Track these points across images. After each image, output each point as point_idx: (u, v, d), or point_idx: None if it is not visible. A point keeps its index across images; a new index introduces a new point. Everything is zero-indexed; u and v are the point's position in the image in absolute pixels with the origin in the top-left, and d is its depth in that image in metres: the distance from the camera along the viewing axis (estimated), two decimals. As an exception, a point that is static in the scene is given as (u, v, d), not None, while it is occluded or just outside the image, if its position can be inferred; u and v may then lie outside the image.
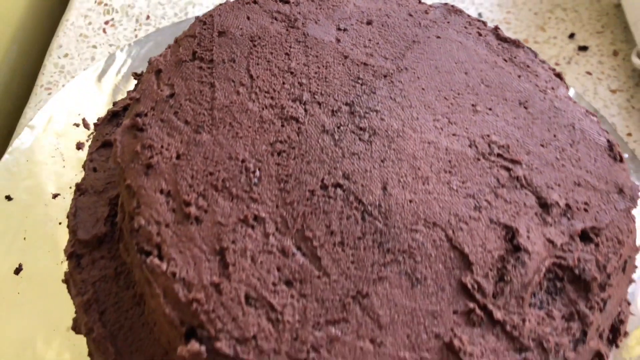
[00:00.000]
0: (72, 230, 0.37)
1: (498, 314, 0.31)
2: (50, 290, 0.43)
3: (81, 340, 0.40)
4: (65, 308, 0.42)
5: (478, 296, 0.32)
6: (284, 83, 0.37)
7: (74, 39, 0.62)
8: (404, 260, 0.33)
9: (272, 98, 0.36)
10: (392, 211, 0.34)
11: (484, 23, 0.43)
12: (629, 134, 0.62)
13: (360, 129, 0.36)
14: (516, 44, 0.42)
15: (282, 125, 0.35)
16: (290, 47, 0.40)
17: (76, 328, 0.37)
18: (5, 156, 0.49)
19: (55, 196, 0.47)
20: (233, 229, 0.32)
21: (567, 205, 0.35)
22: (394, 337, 0.30)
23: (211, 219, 0.32)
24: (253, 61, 0.38)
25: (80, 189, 0.39)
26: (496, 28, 0.42)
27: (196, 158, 0.34)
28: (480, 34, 0.42)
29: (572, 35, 0.68)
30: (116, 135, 0.34)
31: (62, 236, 0.45)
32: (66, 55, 0.60)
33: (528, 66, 0.41)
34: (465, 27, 0.42)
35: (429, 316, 0.31)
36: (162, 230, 0.31)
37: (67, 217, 0.38)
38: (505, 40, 0.42)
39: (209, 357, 0.29)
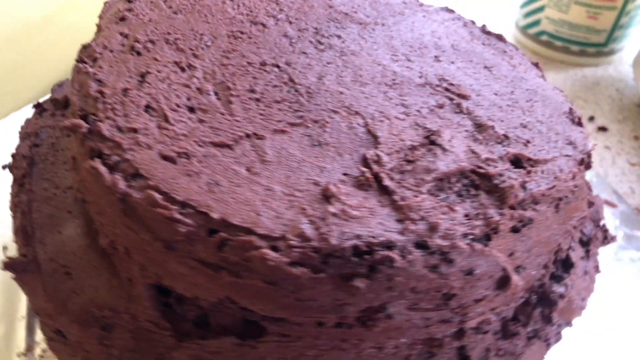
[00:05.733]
0: (52, 91, 0.41)
1: (388, 182, 0.29)
2: None
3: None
4: None
5: (374, 166, 0.30)
6: (267, 6, 0.41)
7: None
8: (313, 127, 0.32)
9: (251, 11, 0.40)
10: (320, 94, 0.34)
11: (473, 22, 0.45)
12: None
13: (319, 42, 0.38)
14: (500, 38, 0.43)
15: (250, 26, 0.39)
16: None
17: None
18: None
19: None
20: (164, 65, 0.34)
21: (505, 135, 0.33)
22: (271, 173, 0.29)
23: (150, 56, 0.34)
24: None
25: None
26: (483, 26, 0.44)
27: (164, 24, 0.37)
28: (465, 25, 0.44)
29: (592, 118, 0.66)
30: (106, 1, 0.39)
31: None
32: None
33: (505, 52, 0.42)
34: (453, 20, 0.45)
35: (316, 168, 0.29)
36: (105, 52, 0.34)
37: (52, 88, 0.42)
38: (489, 33, 0.44)
39: (86, 135, 0.29)
